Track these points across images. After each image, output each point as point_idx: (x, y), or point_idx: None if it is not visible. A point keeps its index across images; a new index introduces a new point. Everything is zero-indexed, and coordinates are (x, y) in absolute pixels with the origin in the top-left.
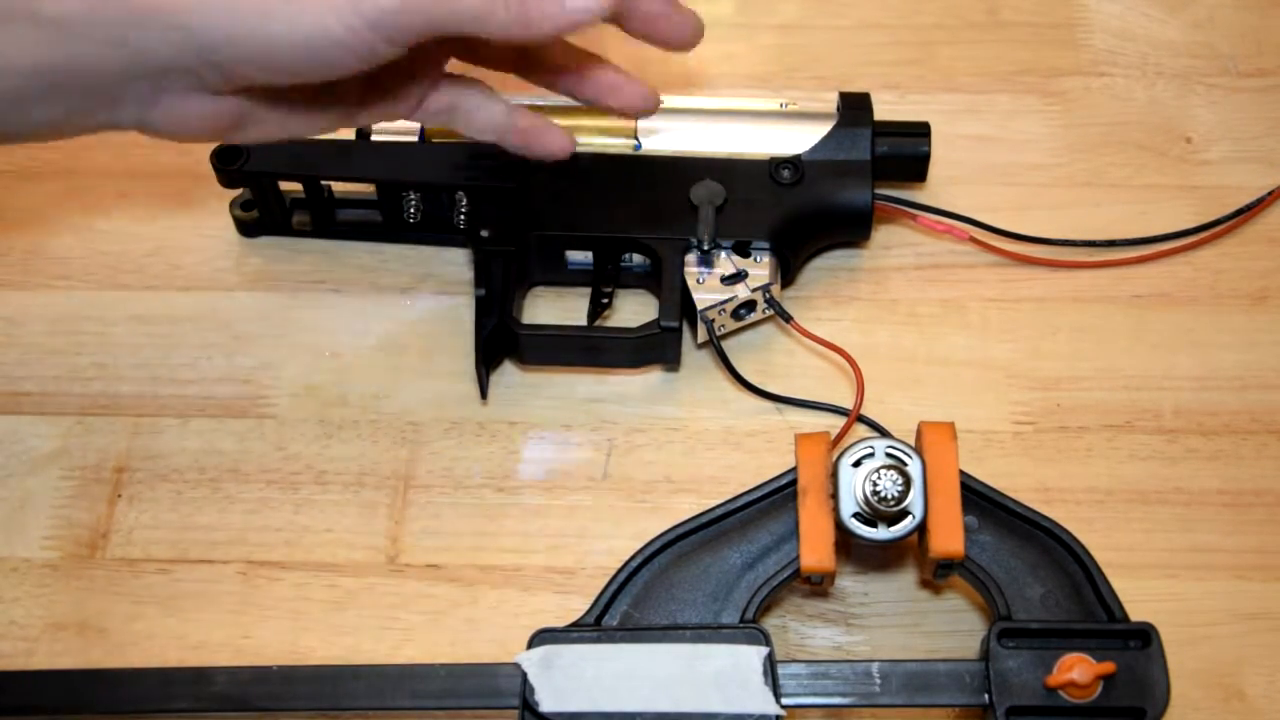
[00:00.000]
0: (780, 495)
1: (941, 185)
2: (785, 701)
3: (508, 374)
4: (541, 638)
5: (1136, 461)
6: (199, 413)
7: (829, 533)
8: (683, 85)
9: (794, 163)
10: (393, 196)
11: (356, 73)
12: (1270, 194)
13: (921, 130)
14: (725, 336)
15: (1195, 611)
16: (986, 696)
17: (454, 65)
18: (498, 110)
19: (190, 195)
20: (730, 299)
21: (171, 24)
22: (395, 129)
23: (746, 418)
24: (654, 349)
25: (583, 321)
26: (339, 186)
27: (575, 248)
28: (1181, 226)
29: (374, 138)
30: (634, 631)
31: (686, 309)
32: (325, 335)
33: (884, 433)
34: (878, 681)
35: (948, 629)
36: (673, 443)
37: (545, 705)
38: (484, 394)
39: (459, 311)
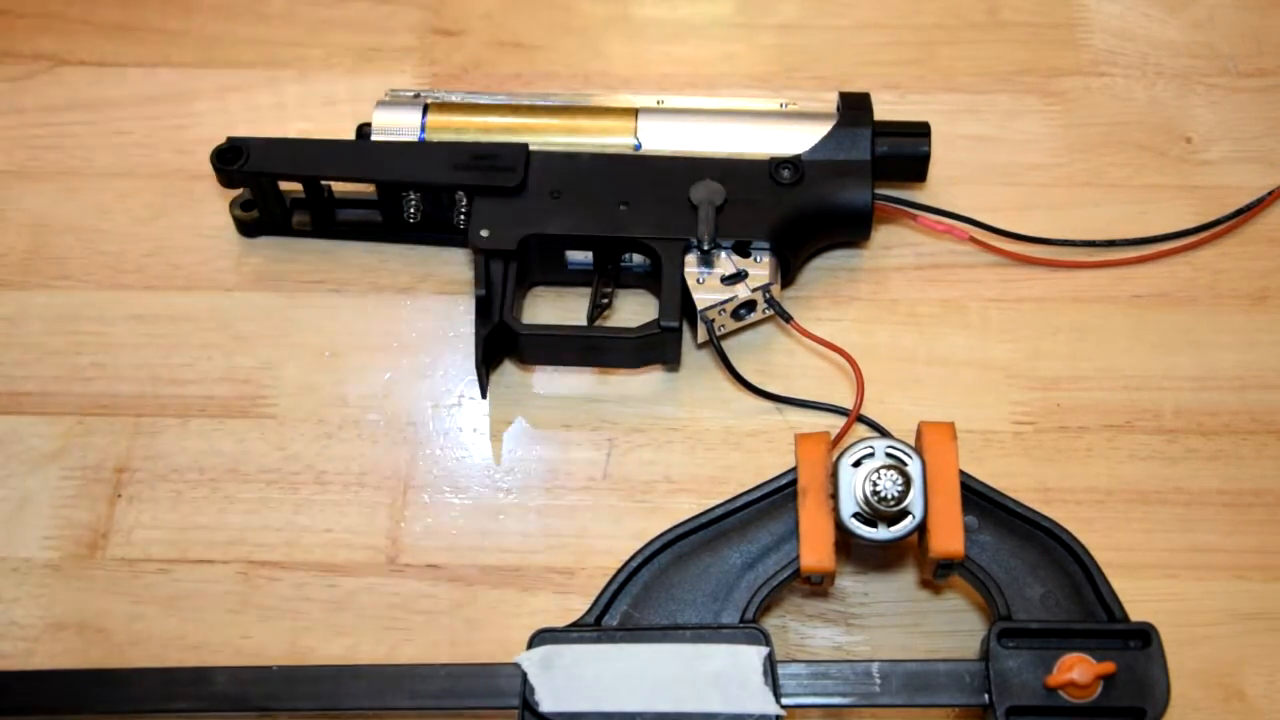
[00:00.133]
0: (780, 495)
1: (941, 185)
2: (785, 701)
3: (508, 374)
4: (541, 638)
5: (1136, 461)
6: (199, 413)
7: (829, 533)
8: (683, 85)
9: (794, 163)
10: (393, 196)
11: None
12: (1270, 194)
13: (921, 130)
14: (725, 336)
15: (1195, 611)
16: (986, 696)
17: None
18: None
19: (190, 195)
20: (730, 299)
21: None
22: (395, 128)
23: (746, 418)
24: (654, 349)
25: (583, 321)
26: (339, 186)
27: (575, 248)
28: (1181, 226)
29: (374, 138)
30: (634, 632)
31: (686, 309)
32: (325, 335)
33: (884, 433)
34: (878, 681)
35: (948, 629)
36: (673, 443)
37: (545, 705)
38: (484, 394)
39: (459, 311)
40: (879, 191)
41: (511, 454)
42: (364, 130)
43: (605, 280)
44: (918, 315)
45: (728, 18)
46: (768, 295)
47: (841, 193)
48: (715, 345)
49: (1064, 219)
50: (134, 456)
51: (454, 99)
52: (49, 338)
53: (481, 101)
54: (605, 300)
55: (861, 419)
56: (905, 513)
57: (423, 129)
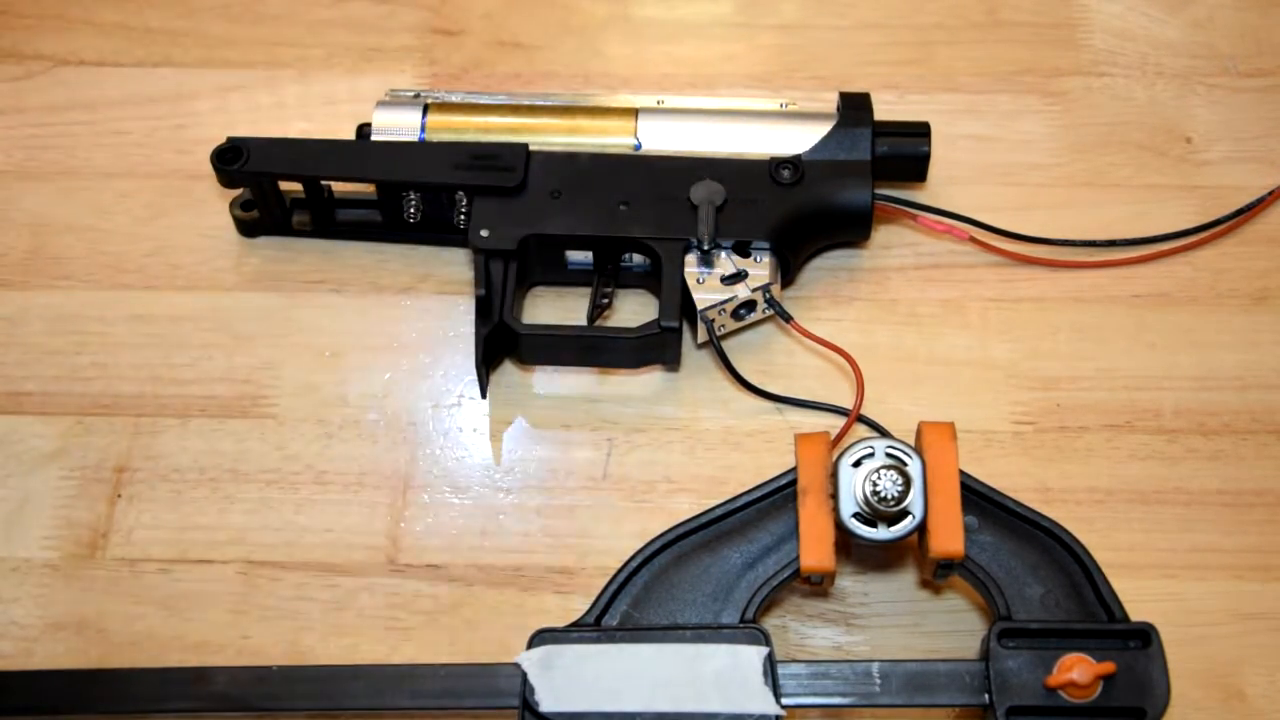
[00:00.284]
0: (780, 495)
1: (941, 185)
2: (785, 701)
3: (508, 374)
4: (541, 638)
5: (1136, 461)
6: (199, 413)
7: (829, 533)
8: (683, 85)
9: (794, 163)
10: (393, 196)
11: None
12: (1270, 194)
13: (921, 130)
14: (725, 336)
15: (1195, 611)
16: (986, 696)
17: None
18: None
19: (190, 195)
20: (730, 299)
21: None
22: (395, 128)
23: (746, 418)
24: (654, 349)
25: (583, 321)
26: (339, 186)
27: (575, 248)
28: (1181, 226)
29: (374, 138)
30: (634, 631)
31: (686, 309)
32: (325, 335)
33: (884, 433)
34: (878, 681)
35: (948, 629)
36: (673, 443)
37: (545, 705)
38: (484, 394)
39: (459, 311)
40: (879, 191)
41: (511, 454)
42: (364, 130)
43: (605, 280)
44: (918, 315)
45: (728, 18)
46: (768, 295)
47: (841, 193)
48: (715, 345)
49: (1064, 219)
50: (134, 456)
51: (454, 99)
52: (49, 338)
53: (481, 101)
54: (605, 300)
55: (861, 419)
56: (905, 513)
57: (423, 129)
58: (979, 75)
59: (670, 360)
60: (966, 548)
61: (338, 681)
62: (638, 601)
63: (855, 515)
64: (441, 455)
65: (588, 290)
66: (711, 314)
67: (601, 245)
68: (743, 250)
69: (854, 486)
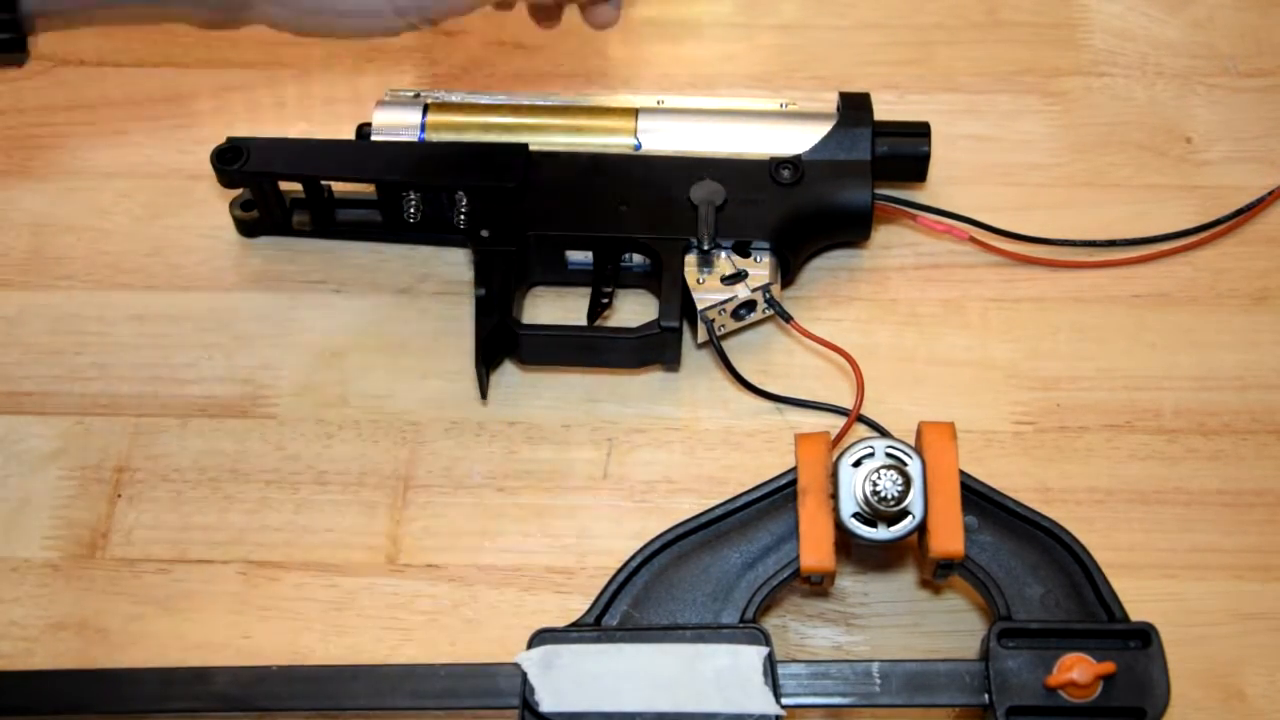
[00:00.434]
0: (780, 495)
1: (941, 185)
2: (785, 701)
3: (508, 374)
4: (541, 638)
5: (1136, 461)
6: (199, 413)
7: (829, 533)
8: (683, 85)
9: (794, 163)
10: (393, 196)
11: None
12: (1270, 194)
13: (921, 130)
14: (725, 336)
15: (1195, 611)
16: (986, 696)
17: None
18: None
19: (190, 195)
20: (730, 299)
21: None
22: (395, 128)
23: (746, 418)
24: (654, 349)
25: (583, 321)
26: (339, 186)
27: (575, 248)
28: (1181, 226)
29: (374, 138)
30: (634, 631)
31: (686, 309)
32: (325, 335)
33: (884, 433)
34: (878, 681)
35: (948, 629)
36: (673, 443)
37: (545, 705)
38: (484, 394)
39: (459, 311)
40: (879, 191)
41: (511, 454)
42: (364, 130)
43: (605, 280)
44: (918, 315)
45: (728, 18)
46: (768, 295)
47: (841, 193)
48: (715, 345)
49: (1064, 219)
50: (134, 456)
51: (454, 99)
52: (49, 338)
53: (481, 101)
54: (605, 300)
55: (861, 419)
56: (905, 513)
57: (423, 129)
58: (979, 75)
59: (670, 360)
60: (966, 548)
61: (338, 681)
62: (638, 601)
63: (855, 515)
64: (441, 455)
65: (588, 290)
66: (711, 314)
67: (601, 245)
68: (743, 250)
69: (854, 486)
